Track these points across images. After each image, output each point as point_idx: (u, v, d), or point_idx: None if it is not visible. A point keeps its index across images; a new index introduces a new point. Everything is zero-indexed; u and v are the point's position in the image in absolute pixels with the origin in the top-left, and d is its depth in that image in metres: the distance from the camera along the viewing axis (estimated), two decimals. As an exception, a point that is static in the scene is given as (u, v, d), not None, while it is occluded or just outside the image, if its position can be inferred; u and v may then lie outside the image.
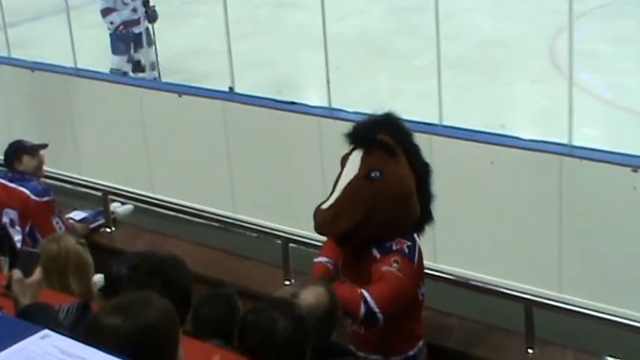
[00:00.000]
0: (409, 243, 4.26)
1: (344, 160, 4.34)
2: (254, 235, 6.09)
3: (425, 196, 4.37)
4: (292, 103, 6.49)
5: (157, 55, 8.95)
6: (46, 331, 2.21)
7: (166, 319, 2.44)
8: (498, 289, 5.03)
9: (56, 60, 8.20)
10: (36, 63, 8.12)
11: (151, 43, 9.00)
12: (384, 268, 4.17)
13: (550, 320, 4.81)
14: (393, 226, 4.25)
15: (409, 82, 7.47)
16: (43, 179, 6.11)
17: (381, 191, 4.20)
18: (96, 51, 9.18)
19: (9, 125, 8.06)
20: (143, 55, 9.03)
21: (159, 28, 8.76)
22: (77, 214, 6.39)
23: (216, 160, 6.88)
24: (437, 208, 5.75)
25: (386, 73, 7.91)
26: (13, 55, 8.20)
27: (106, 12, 9.28)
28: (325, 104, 6.33)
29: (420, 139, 5.79)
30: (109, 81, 7.68)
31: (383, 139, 4.25)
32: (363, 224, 4.19)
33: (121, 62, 9.20)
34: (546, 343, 4.76)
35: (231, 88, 6.81)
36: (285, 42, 9.19)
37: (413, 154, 4.34)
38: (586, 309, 4.80)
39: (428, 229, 4.49)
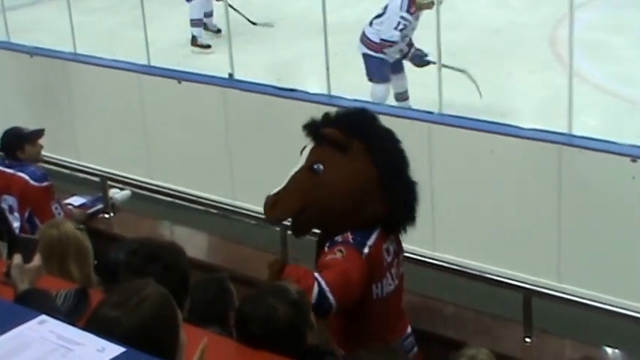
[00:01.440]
0: (357, 237, 4.19)
1: (302, 151, 4.35)
2: (253, 222, 6.07)
3: (392, 193, 4.24)
4: (292, 90, 6.47)
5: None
6: (44, 317, 2.23)
7: (165, 309, 2.44)
8: (497, 278, 5.03)
9: (55, 45, 8.19)
10: (35, 48, 8.10)
11: None
12: (328, 257, 4.16)
13: (548, 309, 4.81)
14: (339, 221, 4.21)
15: (409, 71, 7.45)
16: (40, 164, 6.10)
17: (322, 184, 4.21)
18: (95, 36, 9.14)
19: (7, 110, 8.05)
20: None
21: (153, 13, 8.70)
22: (76, 200, 6.38)
23: (216, 146, 6.87)
24: (436, 196, 5.80)
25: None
26: (12, 40, 8.16)
27: None
28: (325, 91, 6.31)
29: (419, 127, 5.85)
30: (108, 66, 7.65)
31: (328, 133, 4.22)
32: (303, 215, 4.26)
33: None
34: (544, 333, 4.76)
35: (230, 75, 6.79)
36: (284, 29, 9.16)
37: (375, 151, 4.25)
38: (584, 298, 4.79)
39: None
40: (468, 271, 5.17)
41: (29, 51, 8.03)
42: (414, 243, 5.68)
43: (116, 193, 6.48)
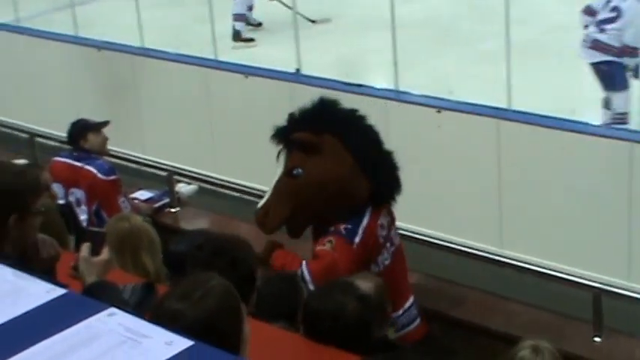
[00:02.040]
0: (349, 226, 4.33)
1: (278, 157, 4.52)
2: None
3: (373, 172, 4.40)
4: (359, 85, 6.43)
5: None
6: (112, 309, 2.20)
7: (229, 301, 2.43)
8: (566, 276, 4.95)
9: (123, 39, 8.26)
10: (102, 42, 8.17)
11: None
12: (317, 248, 4.34)
13: (618, 309, 4.72)
14: (329, 215, 4.35)
15: (477, 66, 7.35)
16: (107, 158, 6.13)
17: (304, 187, 4.35)
18: (162, 30, 9.20)
19: (76, 104, 8.13)
20: None
21: (223, 12, 8.75)
22: (142, 194, 6.42)
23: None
24: (504, 193, 5.71)
25: (454, 57, 7.80)
26: (80, 34, 8.24)
27: None
28: (392, 87, 6.26)
29: (487, 123, 5.77)
30: (174, 61, 7.69)
31: (300, 138, 4.35)
32: (294, 219, 4.43)
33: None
34: (613, 332, 4.67)
35: (297, 70, 6.77)
36: (352, 24, 9.12)
37: (347, 139, 4.37)
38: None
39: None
40: (537, 269, 5.12)
41: (97, 45, 8.10)
42: (482, 240, 5.65)
43: (182, 188, 6.51)
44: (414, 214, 5.99)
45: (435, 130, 5.94)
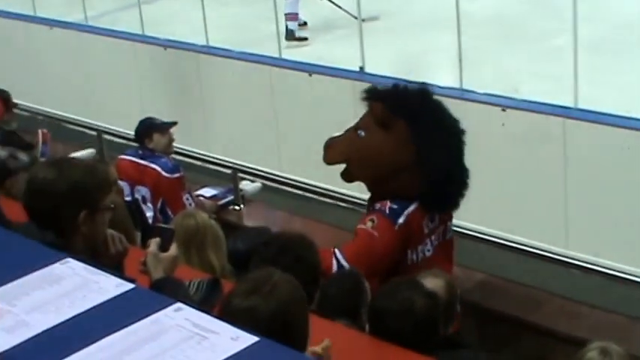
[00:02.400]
0: (394, 206, 4.45)
1: None
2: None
3: (429, 172, 4.45)
4: (423, 83, 6.37)
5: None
6: (179, 304, 2.23)
7: (297, 292, 2.45)
8: (633, 278, 4.88)
9: (188, 37, 8.32)
10: (168, 40, 8.23)
11: None
12: (359, 226, 4.51)
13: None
14: (375, 185, 4.59)
15: (544, 64, 7.24)
16: (172, 156, 6.18)
17: (359, 148, 4.58)
18: (227, 29, 9.25)
19: (142, 101, 8.22)
20: None
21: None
22: (207, 191, 6.47)
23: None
24: (570, 193, 5.63)
25: (520, 55, 7.69)
26: (147, 33, 8.32)
27: None
28: (456, 85, 6.20)
29: (553, 122, 5.69)
30: (239, 59, 7.72)
31: (374, 108, 4.57)
32: (348, 169, 4.67)
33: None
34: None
35: (361, 68, 6.75)
36: (416, 21, 9.06)
37: (416, 131, 4.46)
38: None
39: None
40: (603, 270, 5.05)
41: (163, 43, 8.16)
42: (547, 240, 5.58)
43: (246, 185, 6.54)
44: (477, 213, 5.95)
45: (500, 128, 5.87)
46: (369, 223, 4.47)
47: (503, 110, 5.86)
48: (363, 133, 4.60)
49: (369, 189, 4.67)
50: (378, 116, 4.52)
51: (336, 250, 4.44)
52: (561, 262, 5.16)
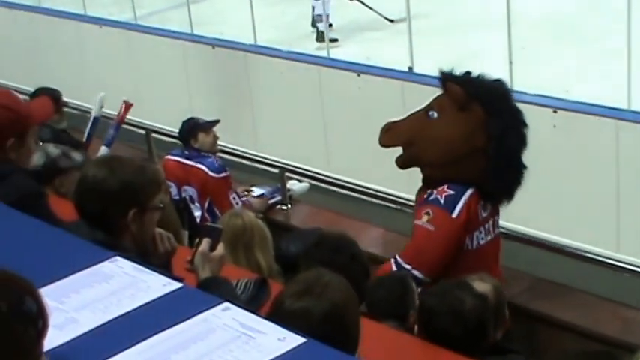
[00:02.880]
0: (451, 192, 4.45)
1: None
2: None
3: (493, 164, 4.45)
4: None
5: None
6: (227, 304, 2.24)
7: (349, 292, 2.44)
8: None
9: (236, 37, 8.33)
10: (217, 39, 8.25)
11: None
12: (415, 222, 4.52)
13: None
14: (436, 169, 4.52)
15: (596, 65, 7.15)
16: (219, 155, 6.19)
17: (429, 129, 4.55)
18: (275, 28, 9.25)
19: (190, 100, 8.25)
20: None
21: (334, 5, 8.74)
22: (255, 191, 6.46)
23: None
24: (622, 197, 5.53)
25: (573, 55, 7.61)
26: (195, 32, 8.35)
27: None
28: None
29: (605, 124, 5.61)
30: (287, 58, 7.71)
31: (451, 88, 4.52)
32: (407, 150, 4.62)
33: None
34: None
35: (410, 68, 6.71)
36: (466, 21, 8.99)
37: (492, 121, 4.46)
38: None
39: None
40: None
41: (211, 42, 8.18)
42: (598, 244, 5.50)
43: (294, 185, 6.53)
44: (526, 215, 5.89)
45: (551, 130, 5.80)
46: (425, 217, 4.47)
47: (555, 112, 5.79)
48: (435, 115, 4.57)
49: (428, 174, 4.61)
50: (458, 97, 4.50)
51: (396, 256, 4.48)
52: (612, 266, 5.06)
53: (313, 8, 9.36)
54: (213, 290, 2.65)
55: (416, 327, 3.45)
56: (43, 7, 9.73)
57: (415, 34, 6.74)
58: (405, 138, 4.63)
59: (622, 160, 5.50)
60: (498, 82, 4.66)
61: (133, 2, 8.81)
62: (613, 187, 5.55)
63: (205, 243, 2.94)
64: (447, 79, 4.58)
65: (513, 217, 5.93)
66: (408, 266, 4.42)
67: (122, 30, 8.87)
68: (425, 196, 4.56)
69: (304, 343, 2.07)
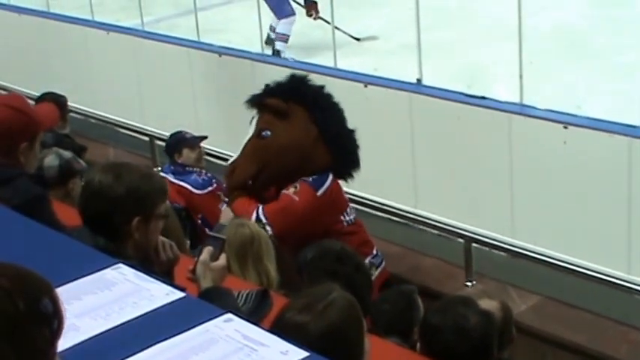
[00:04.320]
0: (315, 177, 4.96)
1: (251, 122, 5.13)
2: (435, 232, 5.94)
3: (334, 144, 5.00)
4: (482, 97, 6.26)
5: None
6: (229, 315, 2.24)
7: (352, 313, 2.43)
8: None
9: (244, 45, 8.28)
10: (223, 47, 8.21)
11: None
12: (283, 191, 4.94)
13: None
14: (293, 175, 4.92)
15: (609, 81, 7.09)
16: (203, 169, 6.14)
17: (270, 147, 4.93)
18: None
19: (195, 108, 8.20)
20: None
21: (344, 16, 8.68)
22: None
23: (400, 152, 6.74)
24: (634, 215, 5.45)
25: (584, 71, 7.55)
26: (202, 40, 8.31)
27: None
28: (516, 100, 6.07)
29: (618, 141, 5.52)
30: (294, 67, 7.64)
31: (270, 103, 4.98)
32: (260, 176, 4.97)
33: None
34: None
35: (418, 80, 6.64)
36: (476, 34, 8.95)
37: (313, 111, 4.99)
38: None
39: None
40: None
41: (218, 50, 8.14)
42: (608, 264, 5.41)
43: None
44: (535, 233, 5.82)
45: (561, 146, 5.72)
46: (292, 189, 4.92)
47: (565, 127, 5.70)
48: (268, 132, 4.98)
49: (283, 184, 4.96)
50: (276, 108, 4.96)
51: (260, 206, 4.88)
52: (623, 288, 4.98)
53: (272, 27, 9.30)
54: (215, 301, 2.62)
55: (418, 344, 3.40)
56: (51, 13, 9.72)
57: (424, 46, 6.67)
58: (254, 169, 4.96)
59: (634, 179, 5.42)
60: (293, 76, 5.16)
61: (140, 9, 8.78)
62: (624, 206, 5.46)
63: (206, 252, 2.90)
64: (258, 98, 5.05)
65: (521, 234, 5.87)
66: (264, 219, 4.82)
67: (129, 36, 8.83)
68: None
69: (307, 357, 2.06)
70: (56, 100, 5.63)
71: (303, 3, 9.54)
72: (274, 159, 4.92)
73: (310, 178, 4.95)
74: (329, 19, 9.05)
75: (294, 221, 4.86)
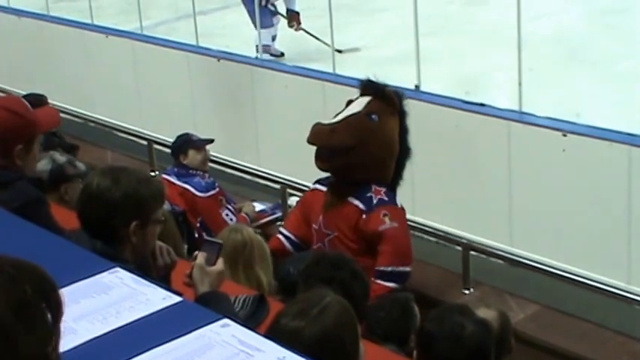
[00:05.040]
0: (383, 189, 4.94)
1: (349, 102, 5.10)
2: (432, 239, 5.94)
3: (401, 160, 5.10)
4: (481, 104, 6.27)
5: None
6: (226, 320, 2.24)
7: (346, 318, 2.44)
8: None
9: (241, 50, 8.28)
10: (222, 52, 8.22)
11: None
12: (380, 228, 4.85)
13: None
14: (372, 170, 4.92)
15: (608, 89, 7.08)
16: (207, 173, 6.15)
17: (373, 132, 4.91)
18: (280, 42, 9.22)
19: (194, 112, 8.22)
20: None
21: (344, 22, 8.68)
22: (255, 206, 6.41)
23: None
24: (634, 224, 5.44)
25: (583, 78, 7.54)
26: (201, 44, 8.32)
27: None
28: (515, 107, 6.08)
29: (617, 149, 5.52)
30: (293, 73, 7.67)
31: (389, 93, 5.02)
32: (350, 153, 4.88)
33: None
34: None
35: (417, 86, 6.65)
36: (475, 41, 8.96)
37: (403, 122, 5.10)
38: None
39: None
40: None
41: (216, 55, 8.15)
42: (608, 274, 5.40)
43: (295, 202, 6.46)
44: (535, 242, 5.82)
45: (560, 154, 5.72)
46: (387, 220, 4.86)
47: (565, 135, 5.71)
48: (376, 118, 4.95)
49: (357, 177, 4.93)
50: (392, 100, 4.99)
51: (379, 269, 4.80)
52: (623, 298, 4.98)
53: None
54: (211, 305, 2.63)
55: (415, 352, 3.39)
56: (51, 16, 9.76)
57: (423, 53, 6.67)
58: (353, 141, 4.88)
59: (634, 187, 5.42)
60: (397, 89, 5.22)
61: (140, 13, 8.80)
62: (624, 214, 5.46)
63: (201, 257, 2.89)
64: (381, 85, 5.05)
65: (520, 243, 5.87)
66: (400, 269, 4.82)
67: (128, 40, 8.86)
68: (357, 203, 4.92)
69: (305, 363, 2.04)
70: (36, 99, 5.61)
71: (285, 14, 9.53)
72: (373, 143, 4.90)
73: (385, 197, 4.94)
74: (311, 31, 9.11)
75: (409, 242, 5.01)
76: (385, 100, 4.99)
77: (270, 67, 7.92)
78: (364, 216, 4.88)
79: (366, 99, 5.01)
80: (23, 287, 1.69)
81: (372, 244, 4.88)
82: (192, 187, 5.93)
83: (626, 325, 4.97)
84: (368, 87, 5.06)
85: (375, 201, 4.88)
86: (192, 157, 6.07)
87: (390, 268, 4.80)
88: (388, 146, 4.97)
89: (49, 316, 1.72)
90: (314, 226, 5.05)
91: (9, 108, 3.44)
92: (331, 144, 4.92)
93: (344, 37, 8.61)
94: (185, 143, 6.14)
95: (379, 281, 4.77)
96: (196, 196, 5.90)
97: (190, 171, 6.01)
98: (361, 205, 4.89)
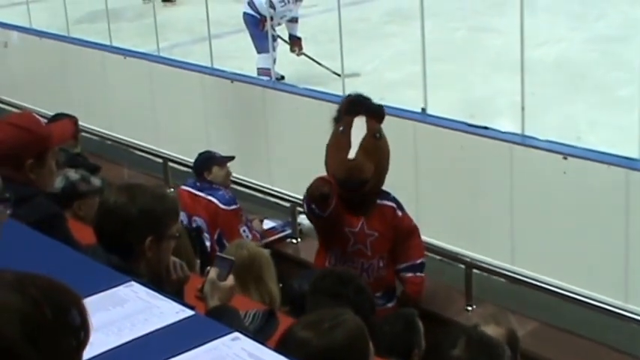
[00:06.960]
0: (391, 197, 5.18)
1: (342, 124, 5.17)
2: (437, 257, 6.03)
3: (385, 171, 5.17)
4: (485, 127, 6.39)
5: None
6: (237, 334, 2.27)
7: (357, 340, 2.45)
8: None
9: (254, 72, 8.40)
10: (235, 74, 8.34)
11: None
12: (412, 223, 5.25)
13: None
14: (382, 179, 5.11)
15: (608, 114, 7.19)
16: (229, 189, 6.25)
17: (381, 149, 5.10)
18: (292, 65, 9.33)
19: (207, 132, 8.32)
20: None
21: (353, 47, 8.82)
22: (266, 224, 6.52)
23: (404, 179, 6.85)
24: (632, 246, 5.54)
25: (584, 103, 7.64)
26: (216, 66, 8.46)
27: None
28: (518, 130, 6.20)
29: (616, 173, 5.65)
30: (304, 95, 7.79)
31: (383, 114, 5.18)
32: (373, 177, 5.01)
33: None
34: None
35: (423, 109, 6.77)
36: (480, 66, 9.07)
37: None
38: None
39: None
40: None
41: (230, 77, 8.27)
42: (605, 292, 5.50)
43: (304, 220, 6.58)
44: (534, 261, 5.92)
45: (561, 176, 5.84)
46: (407, 217, 5.21)
47: (565, 158, 5.82)
48: (379, 135, 5.11)
49: (367, 196, 5.08)
50: (383, 118, 5.16)
51: (418, 261, 5.21)
52: (620, 316, 5.08)
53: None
54: (221, 319, 2.67)
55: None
56: (71, 37, 9.88)
57: (430, 77, 6.80)
58: (374, 164, 5.02)
59: (632, 209, 5.53)
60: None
61: (157, 35, 8.94)
62: (622, 236, 5.57)
63: (213, 272, 2.95)
64: (378, 105, 5.21)
65: (521, 261, 5.97)
66: (420, 260, 5.24)
67: (145, 61, 8.98)
68: (388, 202, 5.15)
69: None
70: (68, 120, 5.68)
71: (287, 39, 9.62)
72: (384, 161, 5.10)
73: (395, 204, 5.17)
74: (312, 55, 9.20)
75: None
76: (378, 116, 5.15)
77: (282, 89, 8.04)
78: (399, 213, 5.15)
79: (362, 120, 5.11)
80: (43, 310, 1.61)
81: (399, 239, 5.16)
82: (217, 199, 5.99)
83: (622, 342, 5.04)
84: (360, 105, 5.17)
85: (390, 204, 5.14)
86: (216, 173, 6.16)
87: (420, 260, 5.20)
88: (388, 157, 5.16)
89: (73, 342, 1.67)
90: (347, 229, 5.10)
91: (17, 124, 3.47)
92: (364, 177, 5.01)
93: (352, 61, 8.76)
94: (209, 160, 6.23)
95: (418, 274, 5.20)
96: (220, 208, 5.97)
97: (214, 185, 6.12)
98: (393, 204, 5.14)
